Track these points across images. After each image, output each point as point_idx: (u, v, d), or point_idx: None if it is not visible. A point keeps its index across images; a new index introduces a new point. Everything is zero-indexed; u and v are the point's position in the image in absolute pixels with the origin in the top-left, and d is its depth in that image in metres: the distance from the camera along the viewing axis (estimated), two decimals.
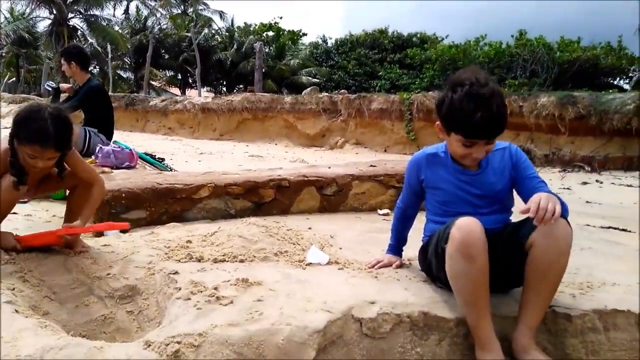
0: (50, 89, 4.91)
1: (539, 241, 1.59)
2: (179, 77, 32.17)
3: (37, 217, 3.16)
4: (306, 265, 2.03)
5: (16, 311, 1.55)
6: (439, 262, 1.70)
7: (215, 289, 1.67)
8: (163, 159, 5.19)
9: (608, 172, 8.10)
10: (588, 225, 3.40)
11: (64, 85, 5.05)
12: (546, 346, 1.69)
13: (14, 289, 1.75)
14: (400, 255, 2.08)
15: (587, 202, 4.97)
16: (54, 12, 27.20)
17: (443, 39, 22.67)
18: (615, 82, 14.93)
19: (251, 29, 30.46)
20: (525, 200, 1.67)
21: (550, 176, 7.61)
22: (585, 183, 6.92)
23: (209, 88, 31.02)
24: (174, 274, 1.84)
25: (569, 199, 4.96)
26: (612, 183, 6.97)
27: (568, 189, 6.20)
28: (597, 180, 7.20)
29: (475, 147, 1.68)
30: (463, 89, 1.63)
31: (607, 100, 8.68)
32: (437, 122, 1.77)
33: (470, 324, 1.60)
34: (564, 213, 1.62)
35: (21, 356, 1.25)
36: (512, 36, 14.88)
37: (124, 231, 2.50)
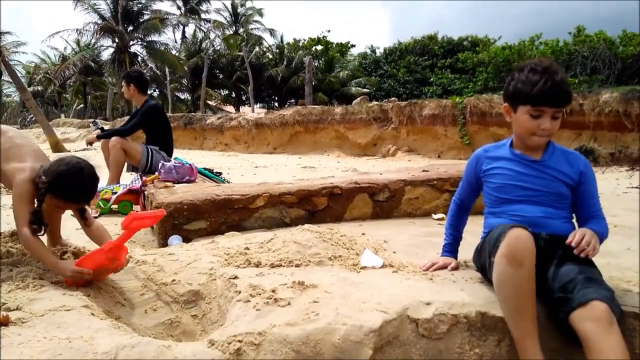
0: (95, 127, 5.36)
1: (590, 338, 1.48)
2: (233, 95, 33.22)
3: None
4: (360, 268, 2.06)
5: (92, 314, 1.68)
6: (490, 271, 1.69)
7: (273, 291, 1.73)
8: (221, 173, 5.37)
9: None
10: None
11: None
12: None
13: (89, 295, 1.89)
14: (456, 257, 2.06)
15: None
16: (116, 40, 28.93)
17: (496, 40, 22.09)
18: None
19: (300, 44, 31.03)
20: (579, 218, 1.84)
21: (616, 175, 7.22)
22: None
23: (261, 104, 31.80)
24: (234, 278, 1.92)
25: (636, 198, 4.69)
26: None
27: (637, 187, 5.85)
28: None
29: (543, 118, 1.73)
30: (527, 67, 1.76)
31: None
32: (504, 104, 1.86)
33: (515, 337, 1.55)
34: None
35: (98, 353, 1.36)
36: (570, 33, 14.29)
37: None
